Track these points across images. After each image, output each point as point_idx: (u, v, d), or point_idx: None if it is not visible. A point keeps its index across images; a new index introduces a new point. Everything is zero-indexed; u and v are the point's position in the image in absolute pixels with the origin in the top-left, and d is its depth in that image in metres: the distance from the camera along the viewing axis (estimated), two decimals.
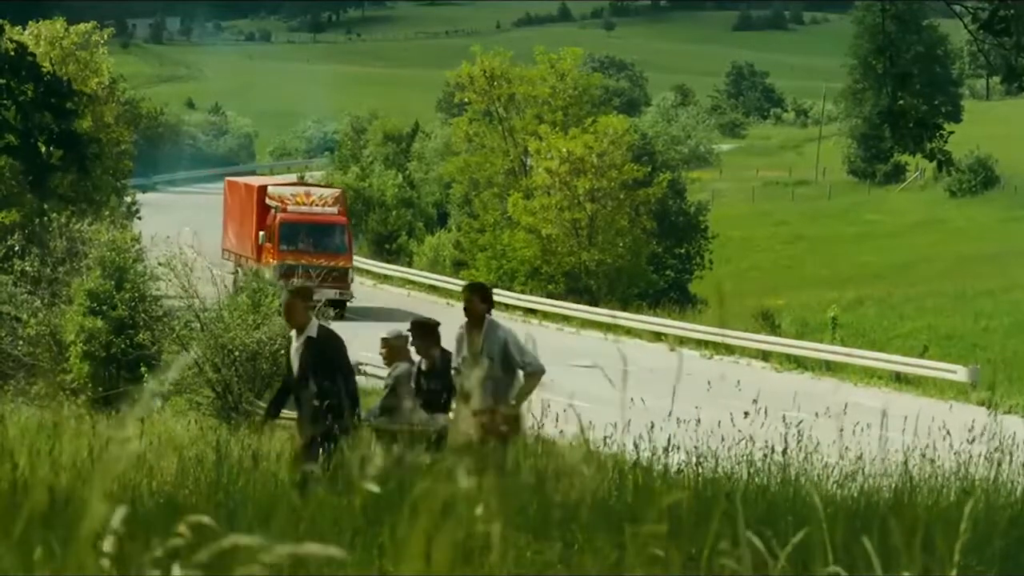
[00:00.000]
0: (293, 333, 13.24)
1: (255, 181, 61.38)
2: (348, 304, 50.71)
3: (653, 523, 4.28)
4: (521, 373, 13.05)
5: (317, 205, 53.20)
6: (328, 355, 12.97)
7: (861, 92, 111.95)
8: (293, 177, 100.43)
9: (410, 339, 13.87)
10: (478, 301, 13.08)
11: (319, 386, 12.73)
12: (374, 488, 4.66)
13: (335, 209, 53.42)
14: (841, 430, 11.97)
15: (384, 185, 77.20)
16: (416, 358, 13.83)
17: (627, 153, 60.10)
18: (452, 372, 13.22)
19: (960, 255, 79.60)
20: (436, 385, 13.33)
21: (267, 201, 53.63)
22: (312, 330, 13.08)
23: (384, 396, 13.87)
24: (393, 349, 14.00)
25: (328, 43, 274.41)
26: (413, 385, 13.57)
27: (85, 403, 28.06)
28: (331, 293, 49.58)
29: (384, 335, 14.39)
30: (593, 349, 40.80)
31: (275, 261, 50.64)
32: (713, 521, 4.55)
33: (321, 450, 11.93)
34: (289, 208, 52.77)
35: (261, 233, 53.03)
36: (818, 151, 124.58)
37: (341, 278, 51.23)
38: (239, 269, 52.53)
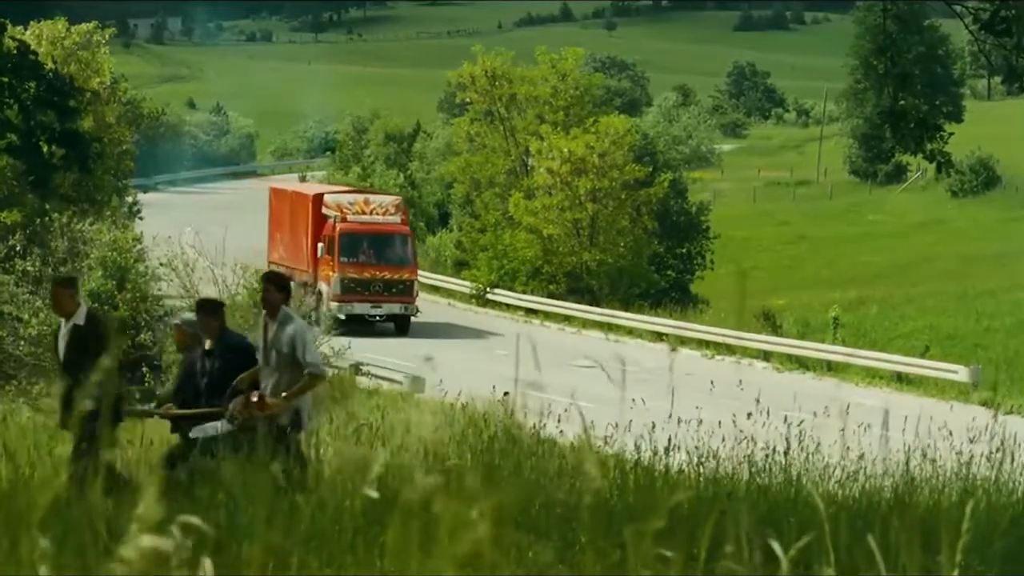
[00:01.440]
0: (62, 320, 13.01)
1: (308, 189, 56.68)
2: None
3: (654, 522, 4.28)
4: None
5: (378, 214, 49.59)
6: (90, 342, 12.64)
7: (862, 92, 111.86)
8: (295, 177, 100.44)
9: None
10: (274, 291, 12.94)
11: (77, 375, 12.37)
12: (372, 494, 4.66)
13: (397, 218, 49.96)
14: (841, 430, 11.97)
15: (385, 185, 77.16)
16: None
17: (628, 153, 60.09)
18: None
19: (961, 255, 79.59)
20: (219, 364, 13.13)
21: (323, 210, 50.08)
22: (80, 317, 12.82)
23: (176, 386, 13.76)
24: (185, 336, 13.86)
25: (329, 43, 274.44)
26: (199, 367, 13.38)
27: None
28: (395, 308, 48.13)
29: (175, 322, 14.30)
30: (594, 349, 40.81)
31: (335, 274, 48.16)
32: (713, 521, 4.55)
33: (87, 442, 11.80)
34: (349, 217, 49.12)
35: (320, 245, 49.51)
36: (819, 151, 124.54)
37: (406, 292, 48.73)
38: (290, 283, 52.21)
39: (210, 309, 13.61)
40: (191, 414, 13.12)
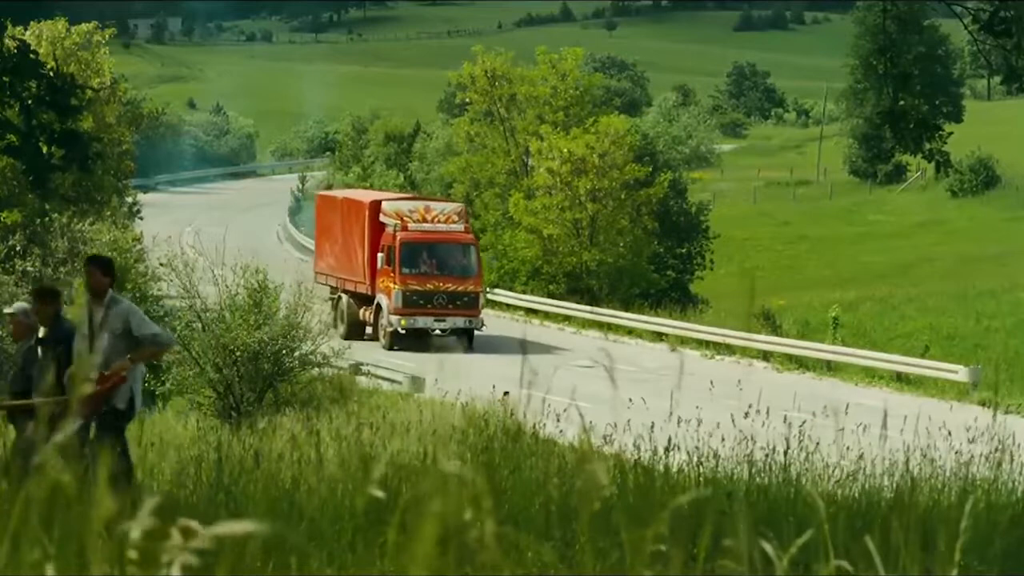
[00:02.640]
0: None
1: (364, 196, 52.29)
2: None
3: (653, 523, 4.29)
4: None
5: (440, 221, 46.75)
6: None
7: (862, 92, 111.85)
8: (294, 178, 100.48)
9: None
10: (100, 275, 13.04)
11: None
12: (378, 493, 4.66)
13: (460, 226, 47.18)
14: (839, 429, 11.99)
15: (385, 185, 77.25)
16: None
17: (628, 153, 60.09)
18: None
19: (961, 255, 79.60)
20: (52, 353, 13.02)
21: (381, 218, 47.08)
22: None
23: (12, 376, 13.67)
24: (19, 325, 13.71)
25: (329, 43, 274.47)
26: (31, 356, 13.27)
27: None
28: (460, 321, 45.76)
29: (9, 311, 14.25)
30: (594, 349, 40.79)
31: (396, 287, 45.52)
32: (713, 521, 4.56)
33: None
34: (410, 226, 46.21)
35: (380, 255, 46.43)
36: (819, 151, 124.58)
37: (471, 304, 46.13)
38: (342, 295, 48.32)
39: (46, 296, 13.56)
40: (21, 405, 13.01)
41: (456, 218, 47.27)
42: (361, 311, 47.23)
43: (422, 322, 45.47)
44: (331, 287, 49.12)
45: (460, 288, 45.89)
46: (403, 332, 45.12)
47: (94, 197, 52.06)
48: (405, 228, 46.11)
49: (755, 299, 58.44)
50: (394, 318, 45.37)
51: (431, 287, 45.40)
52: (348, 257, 48.83)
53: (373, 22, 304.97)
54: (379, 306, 46.23)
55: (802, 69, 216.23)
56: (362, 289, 47.32)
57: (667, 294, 60.28)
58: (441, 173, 76.40)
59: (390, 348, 44.51)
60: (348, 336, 45.02)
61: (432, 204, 48.77)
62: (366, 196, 51.85)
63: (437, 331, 45.65)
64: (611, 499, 8.20)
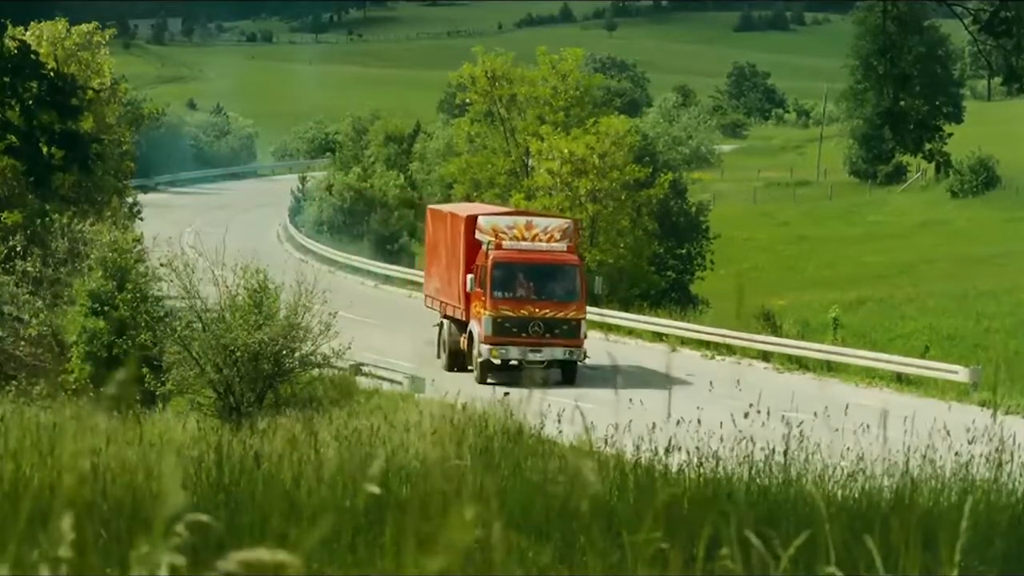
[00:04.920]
0: None
1: (463, 210, 47.38)
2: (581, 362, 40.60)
3: (653, 524, 4.30)
4: None
5: (541, 239, 41.77)
6: None
7: (862, 93, 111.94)
8: (294, 178, 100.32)
9: None
10: None
11: None
12: (375, 489, 4.66)
13: (563, 245, 41.84)
14: (836, 430, 12.00)
15: (386, 186, 77.28)
16: None
17: (629, 154, 60.13)
18: None
19: (961, 256, 79.65)
20: None
21: (477, 234, 42.13)
22: None
23: None
24: None
25: (330, 44, 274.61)
26: None
27: (86, 404, 28.08)
28: (558, 352, 40.60)
29: None
30: (594, 350, 40.84)
31: (486, 312, 40.67)
32: (712, 521, 4.56)
33: None
34: (505, 244, 41.38)
35: (470, 276, 41.55)
36: (819, 152, 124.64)
37: (572, 333, 40.91)
38: (444, 321, 43.74)
39: None
40: None
41: (559, 235, 42.06)
42: (461, 339, 42.51)
43: (515, 352, 40.73)
44: (439, 312, 45.02)
45: (559, 315, 40.96)
46: (497, 363, 40.60)
47: (94, 198, 52.04)
48: (499, 246, 41.47)
49: (754, 299, 58.44)
50: (484, 347, 40.65)
51: (525, 313, 40.74)
52: (448, 279, 44.45)
53: (373, 23, 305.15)
54: (471, 334, 41.63)
55: (802, 69, 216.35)
56: (459, 315, 42.81)
57: (667, 294, 60.31)
58: (441, 174, 76.41)
59: (482, 381, 39.79)
60: (450, 367, 41.81)
61: (535, 220, 43.62)
62: (464, 210, 47.33)
63: (536, 362, 40.62)
64: (611, 499, 8.21)
